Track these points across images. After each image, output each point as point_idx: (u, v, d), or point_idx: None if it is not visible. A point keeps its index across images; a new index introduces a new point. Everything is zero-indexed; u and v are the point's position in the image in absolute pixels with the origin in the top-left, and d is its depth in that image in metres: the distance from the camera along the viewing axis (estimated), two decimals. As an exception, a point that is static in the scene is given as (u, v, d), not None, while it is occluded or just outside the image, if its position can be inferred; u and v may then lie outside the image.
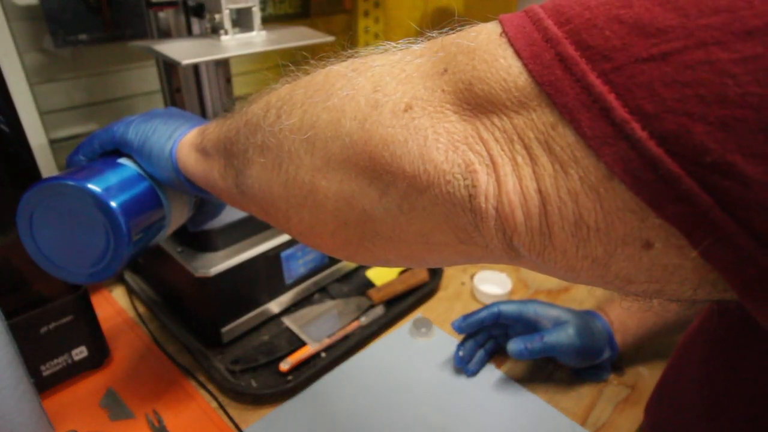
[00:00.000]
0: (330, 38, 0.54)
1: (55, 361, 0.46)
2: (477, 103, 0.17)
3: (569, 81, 0.15)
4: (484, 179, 0.17)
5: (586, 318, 0.50)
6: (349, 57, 0.24)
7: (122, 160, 0.37)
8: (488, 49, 0.17)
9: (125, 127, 0.37)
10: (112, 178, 0.35)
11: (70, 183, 0.33)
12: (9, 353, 0.36)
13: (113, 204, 0.33)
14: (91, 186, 0.33)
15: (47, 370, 0.46)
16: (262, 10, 0.53)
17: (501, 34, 0.17)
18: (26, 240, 0.35)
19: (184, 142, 0.34)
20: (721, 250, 0.13)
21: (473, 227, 0.18)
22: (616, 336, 0.50)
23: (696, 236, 0.13)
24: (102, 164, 0.36)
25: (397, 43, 0.23)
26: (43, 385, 0.46)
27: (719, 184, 0.13)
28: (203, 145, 0.32)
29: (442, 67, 0.19)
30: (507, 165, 0.16)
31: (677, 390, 0.37)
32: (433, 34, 0.22)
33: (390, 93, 0.20)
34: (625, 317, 0.51)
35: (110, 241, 0.34)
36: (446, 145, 0.18)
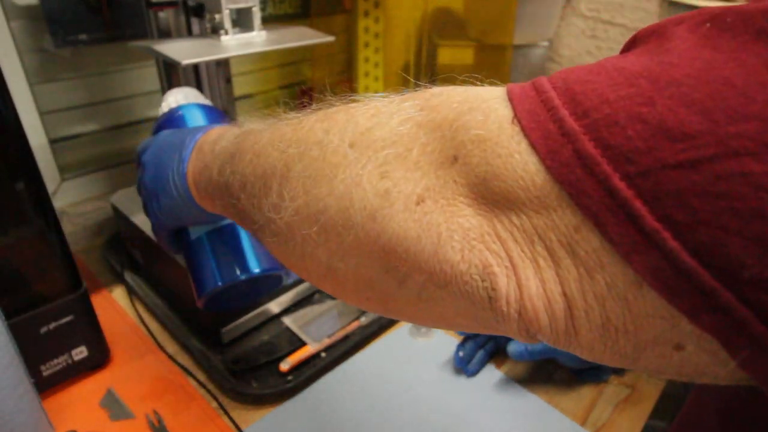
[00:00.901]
0: (330, 38, 0.54)
1: (55, 361, 0.46)
2: (493, 198, 0.16)
3: (591, 182, 0.14)
4: (504, 282, 0.16)
5: None
6: (333, 109, 0.23)
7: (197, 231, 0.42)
8: (500, 141, 0.16)
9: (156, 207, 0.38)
10: (241, 247, 0.41)
11: (243, 277, 0.40)
12: (9, 353, 0.36)
13: (269, 266, 0.41)
14: (255, 270, 0.40)
15: (47, 370, 0.46)
16: (262, 10, 0.53)
17: (513, 121, 0.16)
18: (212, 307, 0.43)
19: (189, 182, 0.35)
20: (762, 362, 0.13)
21: (496, 322, 0.17)
22: None
23: (733, 346, 0.13)
24: (221, 244, 0.41)
25: (387, 96, 0.22)
26: (43, 385, 0.46)
27: (758, 298, 0.12)
28: (205, 189, 0.32)
29: (452, 153, 0.18)
30: (528, 267, 0.16)
31: (698, 424, 0.36)
32: (434, 91, 0.20)
33: (399, 182, 0.18)
34: None
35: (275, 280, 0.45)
36: (461, 243, 0.17)
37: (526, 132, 0.16)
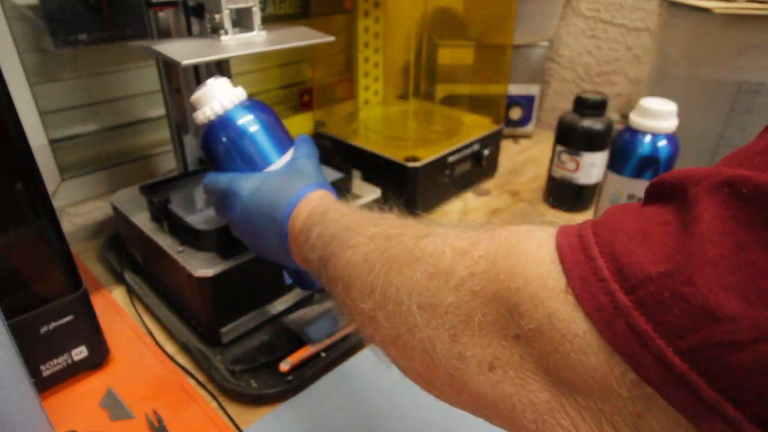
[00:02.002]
0: (330, 38, 0.54)
1: (55, 361, 0.46)
2: (558, 378, 0.17)
3: (648, 356, 0.15)
4: None
5: None
6: (399, 249, 0.25)
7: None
8: (559, 315, 0.17)
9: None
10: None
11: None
12: (9, 353, 0.36)
13: None
14: None
15: (47, 370, 0.46)
16: (262, 10, 0.53)
17: (567, 290, 0.17)
18: None
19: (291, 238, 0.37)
20: None
21: None
22: None
23: None
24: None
25: (444, 234, 0.23)
26: (43, 385, 0.46)
27: None
28: (305, 256, 0.35)
29: (513, 331, 0.19)
30: None
31: None
32: (481, 250, 0.21)
33: (468, 346, 0.20)
34: None
35: None
36: (534, 416, 0.18)
37: (580, 302, 0.17)
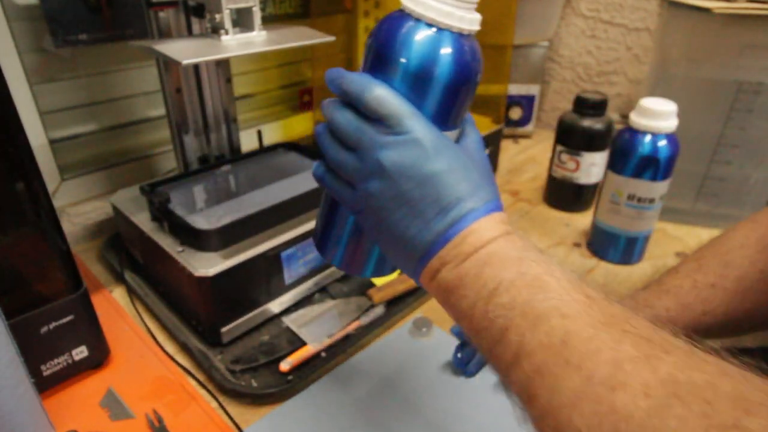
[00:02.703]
0: (330, 38, 0.54)
1: (56, 360, 0.46)
2: None
3: None
4: None
5: None
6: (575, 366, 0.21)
7: None
8: None
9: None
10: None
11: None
12: (9, 353, 0.36)
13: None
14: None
15: (47, 369, 0.46)
16: (262, 10, 0.53)
17: None
18: None
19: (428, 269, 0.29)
20: None
21: None
22: None
23: None
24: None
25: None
26: (44, 385, 0.46)
27: None
28: (446, 301, 0.28)
29: None
30: None
31: None
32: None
33: None
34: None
35: None
36: None
37: None
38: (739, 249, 0.45)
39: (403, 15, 0.29)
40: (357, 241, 0.35)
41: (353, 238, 0.35)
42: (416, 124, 0.28)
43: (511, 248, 0.27)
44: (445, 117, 0.30)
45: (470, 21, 0.28)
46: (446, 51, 0.28)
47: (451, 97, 0.29)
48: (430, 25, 0.28)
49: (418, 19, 0.28)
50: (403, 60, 0.28)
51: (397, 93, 0.29)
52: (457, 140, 0.32)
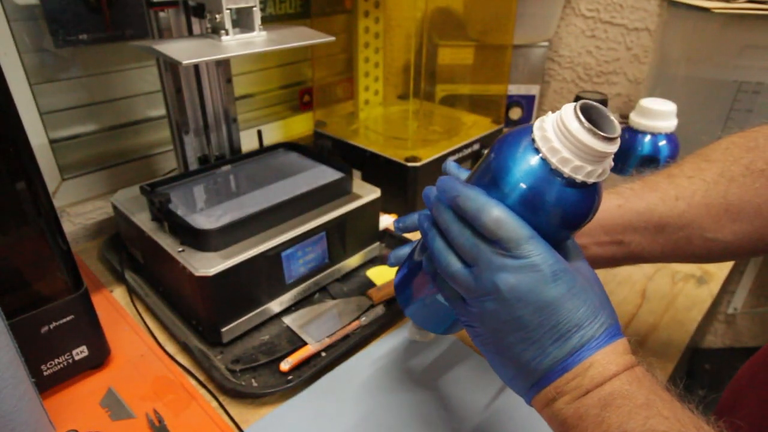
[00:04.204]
0: (330, 38, 0.54)
1: (56, 360, 0.46)
2: None
3: None
4: None
5: None
6: None
7: None
8: None
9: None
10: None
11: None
12: (9, 353, 0.36)
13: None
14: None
15: (48, 369, 0.46)
16: (262, 10, 0.53)
17: None
18: None
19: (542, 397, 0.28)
20: None
21: None
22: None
23: None
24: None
25: None
26: (44, 385, 0.46)
27: None
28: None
29: None
30: None
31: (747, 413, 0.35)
32: None
33: None
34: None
35: None
36: None
37: None
38: (724, 150, 0.40)
39: (531, 142, 0.28)
40: (448, 318, 0.35)
41: (446, 316, 0.35)
42: (535, 249, 0.28)
43: (636, 389, 0.26)
44: (556, 241, 0.30)
45: (597, 174, 0.28)
46: (567, 195, 0.28)
47: (563, 232, 0.29)
48: (559, 174, 0.28)
49: (552, 166, 0.28)
50: (523, 186, 0.28)
51: (514, 214, 0.28)
52: (573, 253, 0.32)
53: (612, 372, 0.26)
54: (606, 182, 0.30)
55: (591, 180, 0.27)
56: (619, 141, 0.27)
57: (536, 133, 0.28)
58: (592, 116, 0.27)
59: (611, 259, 0.43)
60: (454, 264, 0.30)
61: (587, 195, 0.28)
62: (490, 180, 0.29)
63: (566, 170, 0.27)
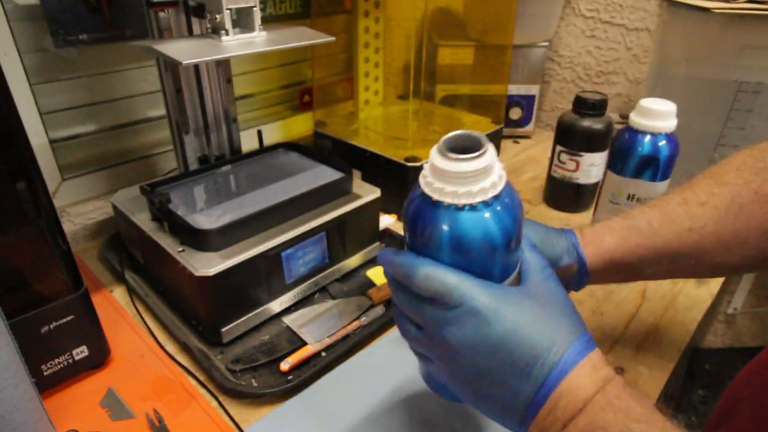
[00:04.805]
0: (330, 38, 0.54)
1: (56, 360, 0.46)
2: None
3: None
4: None
5: (543, 228, 0.42)
6: None
7: None
8: None
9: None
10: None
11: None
12: (9, 353, 0.36)
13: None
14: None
15: (48, 369, 0.46)
16: (262, 10, 0.53)
17: None
18: None
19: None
20: None
21: None
22: (586, 249, 0.41)
23: None
24: None
25: None
26: (44, 385, 0.46)
27: None
28: None
29: None
30: None
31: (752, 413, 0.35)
32: None
33: None
34: (603, 231, 0.43)
35: None
36: None
37: None
38: (735, 171, 0.42)
39: (418, 187, 0.29)
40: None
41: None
42: (467, 292, 0.28)
43: (612, 417, 0.25)
44: (496, 271, 0.30)
45: (477, 192, 0.28)
46: (469, 221, 0.28)
47: (497, 256, 0.29)
48: (447, 205, 0.28)
49: (434, 199, 0.29)
50: (432, 230, 0.29)
51: (441, 265, 0.29)
52: (519, 276, 0.31)
53: (583, 399, 0.26)
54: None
55: (476, 200, 0.28)
56: (484, 156, 0.27)
57: (420, 180, 0.29)
58: (459, 144, 0.28)
59: (621, 281, 0.45)
60: (410, 329, 0.31)
61: (490, 212, 0.28)
62: (409, 239, 0.31)
63: (447, 199, 0.28)
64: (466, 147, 0.28)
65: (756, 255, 0.40)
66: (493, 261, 0.29)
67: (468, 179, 0.27)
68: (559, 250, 0.40)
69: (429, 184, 0.28)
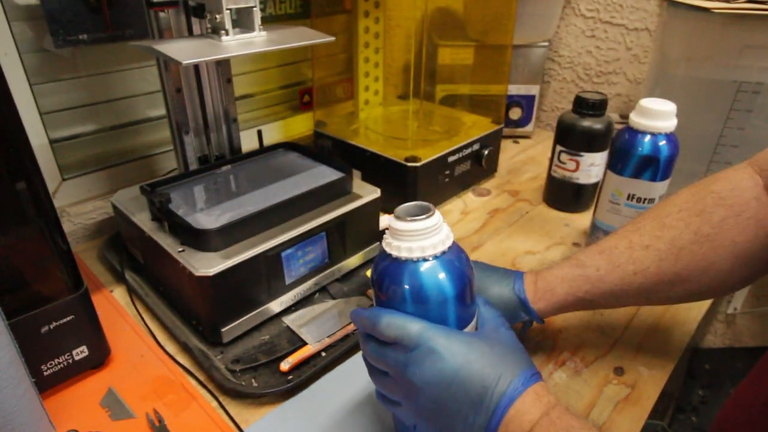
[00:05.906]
0: (330, 38, 0.54)
1: (56, 360, 0.46)
2: None
3: None
4: None
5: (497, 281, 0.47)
6: None
7: None
8: None
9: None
10: None
11: None
12: (9, 353, 0.36)
13: None
14: None
15: (48, 369, 0.46)
16: (262, 10, 0.53)
17: None
18: None
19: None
20: None
21: None
22: (537, 305, 0.46)
23: None
24: None
25: None
26: (44, 385, 0.46)
27: None
28: None
29: None
30: None
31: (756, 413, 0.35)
32: None
33: None
34: (554, 283, 0.47)
35: None
36: None
37: None
38: (677, 213, 0.45)
39: (384, 252, 0.35)
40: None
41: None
42: (424, 333, 0.32)
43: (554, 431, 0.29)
44: (451, 320, 0.34)
45: (429, 247, 0.33)
46: (424, 274, 0.33)
47: (452, 304, 0.34)
48: (404, 260, 0.33)
49: (393, 256, 0.34)
50: (394, 285, 0.34)
51: (403, 314, 0.34)
52: (485, 318, 0.36)
53: (530, 422, 0.30)
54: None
55: (427, 253, 0.33)
56: (432, 218, 0.33)
57: (382, 244, 0.35)
58: (411, 211, 0.34)
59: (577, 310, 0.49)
60: (380, 376, 0.36)
61: (440, 263, 0.33)
62: (376, 298, 0.36)
63: (404, 254, 0.33)
64: (416, 213, 0.34)
65: (699, 289, 0.44)
66: (446, 310, 0.34)
67: (419, 236, 0.33)
68: (510, 309, 0.46)
69: (389, 244, 0.34)
